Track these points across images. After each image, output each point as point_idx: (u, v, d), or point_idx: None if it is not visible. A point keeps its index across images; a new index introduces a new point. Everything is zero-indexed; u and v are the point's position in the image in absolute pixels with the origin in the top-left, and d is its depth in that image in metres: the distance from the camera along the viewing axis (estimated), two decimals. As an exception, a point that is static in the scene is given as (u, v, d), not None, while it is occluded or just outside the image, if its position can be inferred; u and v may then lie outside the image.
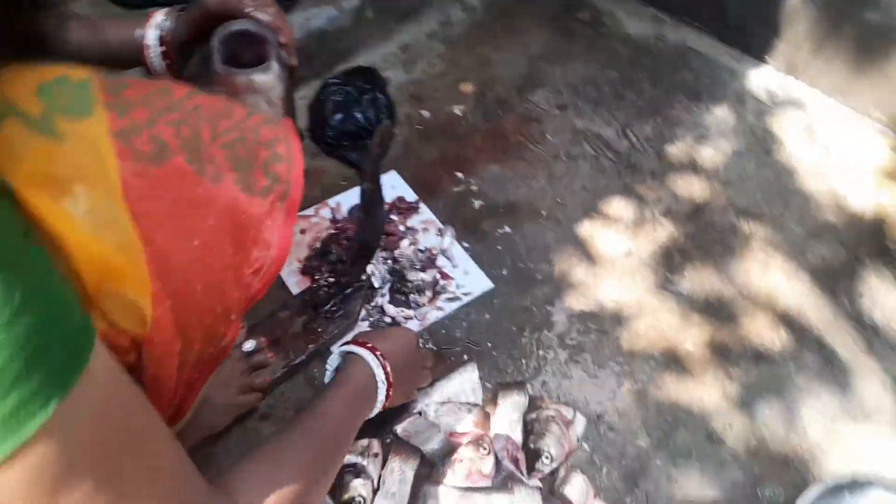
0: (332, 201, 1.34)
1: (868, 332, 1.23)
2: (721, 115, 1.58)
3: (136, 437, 0.46)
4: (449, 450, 1.04)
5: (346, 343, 0.92)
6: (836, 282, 1.29)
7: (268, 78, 0.78)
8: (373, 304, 1.21)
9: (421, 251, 1.28)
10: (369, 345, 0.90)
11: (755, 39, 1.69)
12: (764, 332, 1.22)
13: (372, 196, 1.17)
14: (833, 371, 1.18)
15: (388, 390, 0.90)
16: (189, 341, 0.54)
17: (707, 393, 1.15)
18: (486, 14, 1.79)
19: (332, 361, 0.93)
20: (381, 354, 0.90)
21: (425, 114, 1.53)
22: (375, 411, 0.90)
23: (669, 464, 1.07)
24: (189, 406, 0.63)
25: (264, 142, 0.58)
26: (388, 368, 0.89)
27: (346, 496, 0.96)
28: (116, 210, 0.47)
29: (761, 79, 1.66)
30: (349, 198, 1.35)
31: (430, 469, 1.02)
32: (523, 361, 1.17)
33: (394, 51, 1.67)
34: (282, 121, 0.65)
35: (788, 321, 1.24)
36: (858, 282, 1.29)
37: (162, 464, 0.48)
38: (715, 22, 1.74)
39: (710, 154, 1.50)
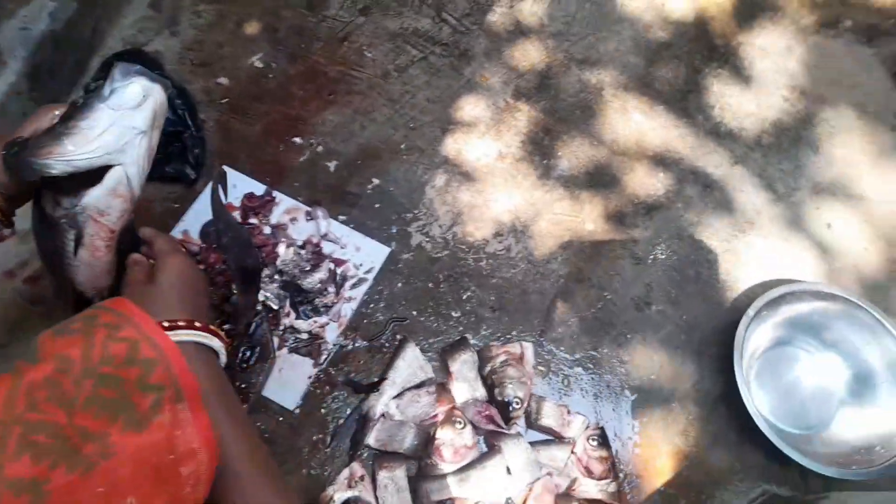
0: (175, 231, 1.17)
1: (728, 141, 1.30)
2: (523, -44, 1.47)
3: None
4: (427, 438, 1.04)
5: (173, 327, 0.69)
6: (688, 101, 1.34)
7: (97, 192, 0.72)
8: (281, 327, 1.12)
9: (301, 248, 1.17)
10: (163, 323, 0.67)
11: None
12: (646, 181, 1.26)
13: (228, 226, 1.02)
14: (713, 194, 1.26)
15: (211, 334, 0.72)
16: None
17: (621, 267, 1.20)
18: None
19: None
20: (164, 324, 0.66)
21: (223, 80, 1.31)
22: (224, 358, 0.74)
23: (615, 347, 1.14)
24: None
25: (123, 359, 0.51)
26: (198, 323, 0.70)
27: (359, 537, 0.95)
28: None
29: None
30: (194, 219, 1.17)
31: (419, 465, 1.03)
32: (452, 314, 1.15)
33: (145, 13, 1.36)
34: (119, 303, 0.56)
35: (662, 160, 1.28)
36: (705, 94, 1.34)
37: None
38: None
39: (530, 7, 1.41)
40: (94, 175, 0.71)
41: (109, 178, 0.71)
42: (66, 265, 0.76)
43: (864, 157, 1.31)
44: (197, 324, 0.70)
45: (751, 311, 1.07)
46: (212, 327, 0.72)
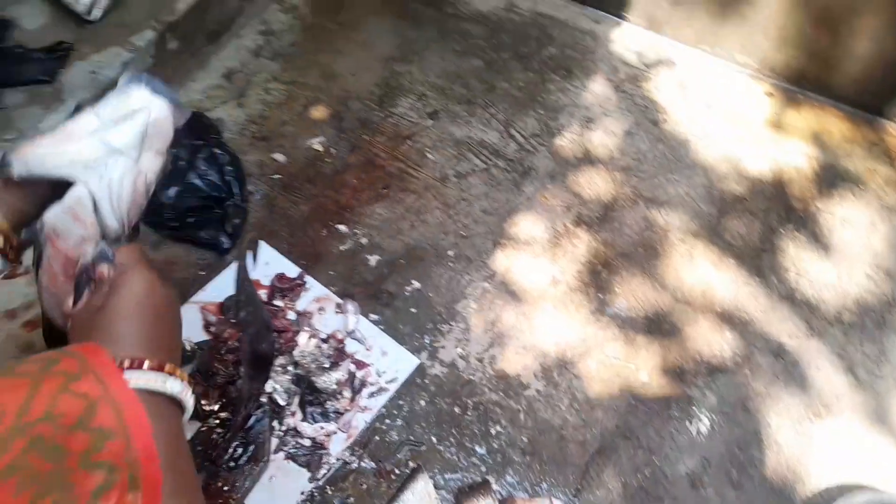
0: (196, 299, 1.06)
1: (804, 310, 1.19)
2: (598, 90, 1.45)
3: None
4: None
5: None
6: (761, 260, 1.24)
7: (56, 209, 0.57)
8: (283, 427, 0.97)
9: (324, 341, 1.05)
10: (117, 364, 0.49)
11: (612, -3, 1.57)
12: (711, 338, 1.14)
13: (250, 299, 0.92)
14: (785, 366, 1.12)
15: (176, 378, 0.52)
16: None
17: (675, 428, 1.05)
18: (312, 12, 1.51)
19: None
20: (140, 360, 0.50)
21: (279, 158, 1.26)
22: (191, 407, 0.53)
23: (661, 523, 0.96)
24: None
25: (73, 422, 0.36)
26: (167, 367, 0.51)
27: None
28: None
29: (625, 39, 1.55)
30: (218, 290, 1.07)
31: None
32: (476, 448, 1.00)
33: (216, 82, 1.35)
34: (90, 349, 0.42)
35: (729, 318, 1.16)
36: (780, 255, 1.25)
37: None
38: (568, -17, 1.59)
39: (601, 138, 1.37)
40: (61, 190, 0.58)
41: (69, 197, 0.58)
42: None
43: (955, 352, 1.17)
44: (163, 366, 0.50)
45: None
46: (179, 371, 0.52)
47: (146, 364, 0.49)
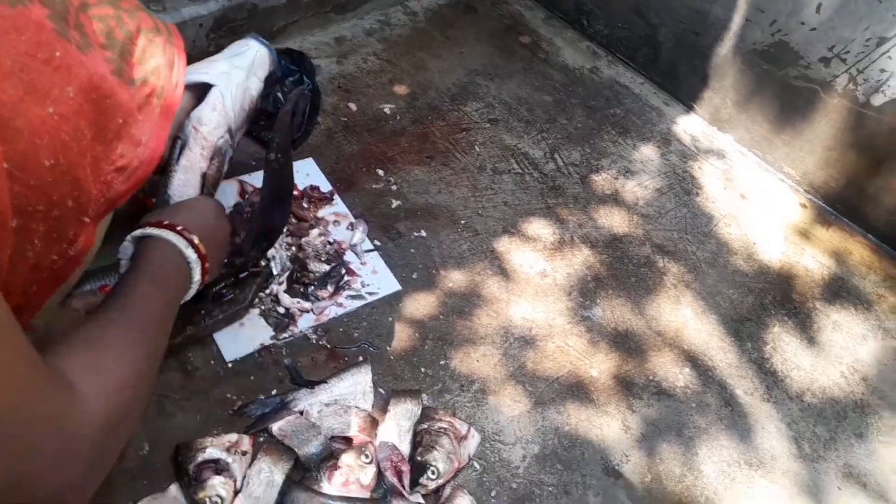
0: (243, 177, 1.24)
1: (768, 378, 1.23)
2: (647, 152, 1.59)
3: None
4: (328, 455, 0.94)
5: (141, 226, 0.76)
6: (743, 326, 1.29)
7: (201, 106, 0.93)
8: (268, 291, 1.11)
9: (329, 243, 1.19)
10: (168, 223, 0.75)
11: (684, 86, 1.73)
12: (669, 368, 1.20)
13: (280, 171, 1.08)
14: (732, 415, 1.16)
15: (203, 267, 0.77)
16: (28, 231, 0.44)
17: (607, 422, 1.10)
18: (428, 22, 1.75)
19: (125, 251, 0.76)
20: (186, 229, 0.75)
21: (352, 106, 1.46)
22: (192, 292, 0.78)
23: (562, 493, 1.01)
24: (24, 324, 0.52)
25: (144, 28, 0.51)
26: (197, 241, 0.76)
27: (201, 494, 0.84)
28: None
29: (687, 125, 1.69)
30: (260, 177, 1.24)
31: (304, 473, 0.92)
32: (422, 370, 1.09)
33: (328, 41, 1.59)
34: (166, 23, 0.58)
35: (693, 360, 1.22)
36: (762, 329, 1.30)
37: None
38: (649, 64, 1.77)
39: (633, 187, 1.49)
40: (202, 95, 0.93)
41: (211, 94, 0.92)
42: (168, 175, 0.90)
43: (910, 472, 1.17)
44: (196, 241, 0.75)
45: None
46: (206, 265, 0.77)
47: (196, 241, 0.75)
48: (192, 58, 1.42)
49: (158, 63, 0.53)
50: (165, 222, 0.75)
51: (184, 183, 0.92)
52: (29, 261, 0.47)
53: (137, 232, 0.74)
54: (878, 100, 1.42)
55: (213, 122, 0.92)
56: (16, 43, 0.42)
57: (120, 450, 0.54)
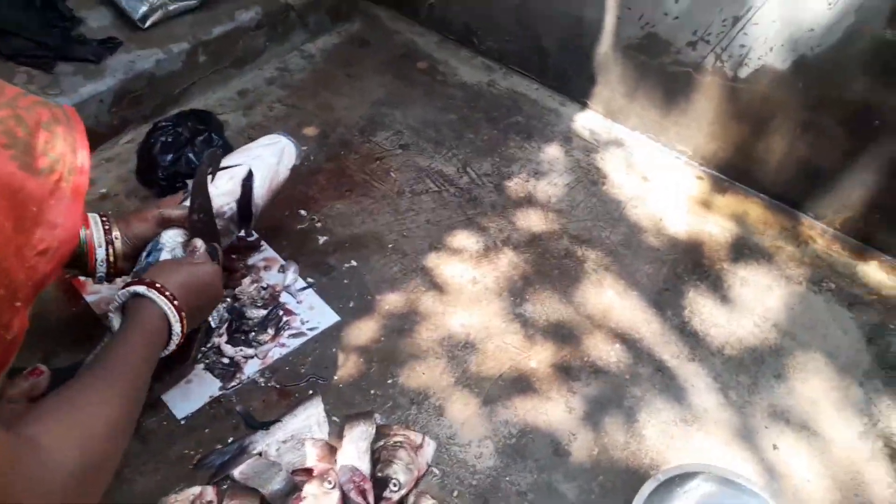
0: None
1: (691, 339, 1.33)
2: (552, 152, 1.69)
3: None
4: (292, 488, 0.97)
5: (131, 283, 0.87)
6: (661, 296, 1.40)
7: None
8: (209, 345, 1.14)
9: (263, 288, 1.24)
10: (157, 284, 0.86)
11: (576, 86, 1.85)
12: (601, 347, 1.29)
13: (203, 230, 1.12)
14: (664, 379, 1.26)
15: (181, 323, 0.87)
16: None
17: (552, 407, 1.18)
18: (326, 62, 1.82)
19: (116, 305, 0.87)
20: (171, 294, 0.86)
21: (266, 154, 1.51)
22: (172, 347, 0.88)
23: (518, 481, 1.07)
24: None
25: (44, 122, 0.56)
26: (178, 303, 0.87)
27: (171, 549, 0.86)
28: None
29: (585, 121, 1.81)
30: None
31: (273, 512, 0.96)
32: (372, 392, 1.14)
33: (231, 95, 1.64)
34: (61, 106, 0.63)
35: (622, 336, 1.31)
36: (679, 296, 1.41)
37: None
38: (540, 70, 1.89)
39: (544, 187, 1.59)
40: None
41: (235, 168, 1.14)
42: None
43: (827, 400, 1.29)
44: (182, 312, 0.87)
45: (661, 476, 1.01)
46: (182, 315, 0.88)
47: (182, 312, 0.88)
48: (98, 134, 1.46)
49: (62, 151, 0.58)
50: (157, 284, 0.86)
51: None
52: None
53: (129, 289, 0.85)
54: (744, 72, 1.57)
55: (223, 189, 1.13)
56: None
57: (100, 495, 0.61)
